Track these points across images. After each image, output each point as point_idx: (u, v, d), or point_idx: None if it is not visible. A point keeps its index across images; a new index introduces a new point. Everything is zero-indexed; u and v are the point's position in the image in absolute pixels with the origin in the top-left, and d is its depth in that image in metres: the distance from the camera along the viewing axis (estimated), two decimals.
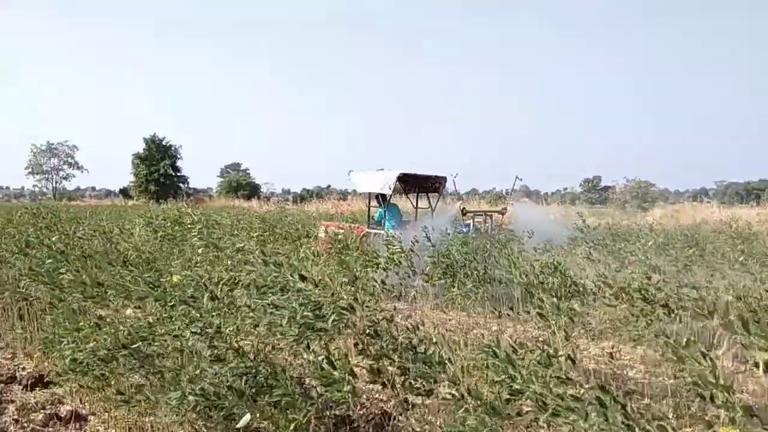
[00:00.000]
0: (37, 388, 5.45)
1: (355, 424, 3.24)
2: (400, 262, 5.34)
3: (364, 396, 3.55)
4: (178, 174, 54.88)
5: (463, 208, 12.22)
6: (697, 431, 3.03)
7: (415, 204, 12.73)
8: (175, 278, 3.01)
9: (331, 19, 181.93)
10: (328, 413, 2.61)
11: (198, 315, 2.68)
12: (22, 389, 5.38)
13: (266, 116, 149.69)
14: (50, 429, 4.65)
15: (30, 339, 6.30)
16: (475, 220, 11.65)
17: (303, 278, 2.38)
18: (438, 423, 2.67)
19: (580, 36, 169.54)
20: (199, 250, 3.69)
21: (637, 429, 1.75)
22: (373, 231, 10.62)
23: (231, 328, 2.61)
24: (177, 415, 2.66)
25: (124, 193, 64.73)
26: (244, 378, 2.61)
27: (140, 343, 3.21)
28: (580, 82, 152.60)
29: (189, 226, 5.36)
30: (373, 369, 2.34)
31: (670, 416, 1.88)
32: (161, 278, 3.43)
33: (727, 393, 1.76)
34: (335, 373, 2.17)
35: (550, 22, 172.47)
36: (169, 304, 2.88)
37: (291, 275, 2.36)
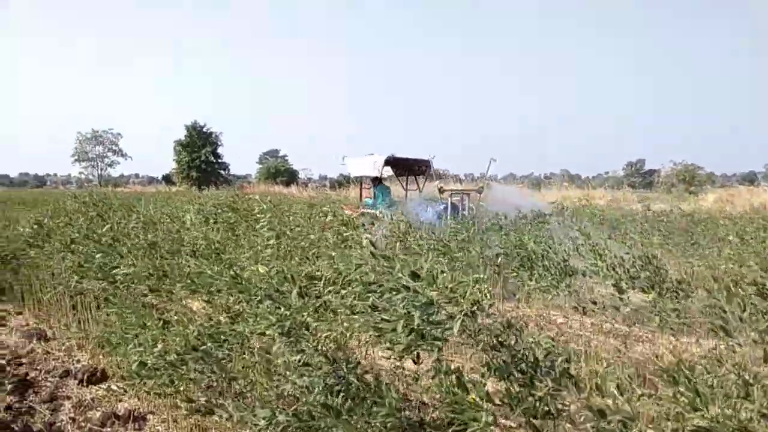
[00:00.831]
0: (93, 383, 5.22)
1: None
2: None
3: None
4: (219, 161, 55.26)
5: (441, 187, 12.81)
6: None
7: (405, 186, 13.60)
8: (261, 269, 2.62)
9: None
10: None
11: (286, 313, 2.28)
12: (78, 384, 5.14)
13: (303, 104, 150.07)
14: (108, 429, 4.38)
15: (84, 331, 6.09)
16: (453, 198, 12.13)
17: (416, 276, 1.95)
18: None
19: (623, 17, 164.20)
20: (270, 241, 3.28)
21: None
22: (367, 211, 11.00)
23: (326, 331, 2.21)
24: None
25: (167, 179, 65.73)
26: (339, 391, 2.21)
27: (211, 344, 2.84)
28: (622, 65, 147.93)
29: (250, 213, 5.01)
30: (509, 392, 1.90)
31: None
32: (233, 270, 3.06)
33: None
34: (469, 396, 1.75)
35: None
36: (254, 298, 2.50)
37: (401, 272, 1.94)
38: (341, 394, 2.12)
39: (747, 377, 1.64)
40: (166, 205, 12.86)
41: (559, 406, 2.11)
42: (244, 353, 2.95)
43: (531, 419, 2.08)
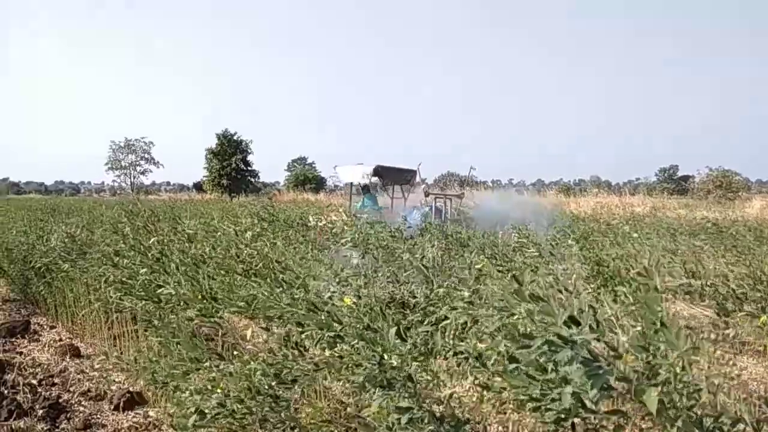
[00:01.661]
0: (129, 409, 4.77)
1: None
2: None
3: None
4: (249, 168, 55.35)
5: (426, 191, 13.45)
6: None
7: (391, 195, 14.12)
8: (347, 300, 2.12)
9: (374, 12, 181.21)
10: None
11: (389, 361, 1.76)
12: (113, 409, 4.70)
13: (329, 111, 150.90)
14: None
15: (119, 348, 5.67)
16: (437, 202, 12.83)
17: (575, 322, 1.41)
18: None
19: (651, 22, 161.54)
20: (353, 260, 2.75)
21: None
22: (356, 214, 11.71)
23: (442, 387, 1.68)
24: None
25: (198, 187, 66.11)
26: None
27: (277, 385, 2.33)
28: (651, 70, 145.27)
29: (305, 225, 4.56)
30: None
31: None
32: (308, 297, 2.55)
33: None
34: None
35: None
36: (339, 333, 1.98)
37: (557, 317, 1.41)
38: None
39: None
40: (203, 214, 12.52)
41: None
42: (316, 397, 2.43)
43: None
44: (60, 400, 4.94)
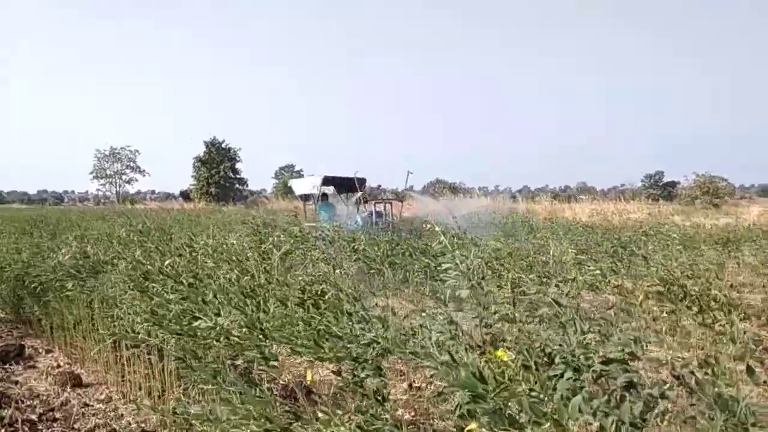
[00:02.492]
0: None
1: None
2: None
3: None
4: (238, 176, 54.66)
5: (365, 197, 14.52)
6: None
7: (345, 202, 15.06)
8: (502, 354, 1.64)
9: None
10: None
11: None
12: None
13: (319, 118, 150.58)
14: None
15: (124, 376, 5.12)
16: (377, 207, 13.98)
17: None
18: None
19: (645, 26, 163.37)
20: (463, 292, 2.24)
21: None
22: (309, 225, 12.01)
23: None
24: None
25: (185, 195, 65.17)
26: None
27: None
28: (641, 75, 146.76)
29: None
30: None
31: None
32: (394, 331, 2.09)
33: None
34: None
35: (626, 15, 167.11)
36: (482, 396, 1.51)
37: None
38: None
39: None
40: (197, 224, 11.94)
41: None
42: None
43: None
44: None
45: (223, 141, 55.04)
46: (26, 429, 4.45)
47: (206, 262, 3.16)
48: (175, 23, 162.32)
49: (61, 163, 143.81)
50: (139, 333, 3.18)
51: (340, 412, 2.02)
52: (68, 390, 5.32)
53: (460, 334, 2.09)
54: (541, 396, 1.40)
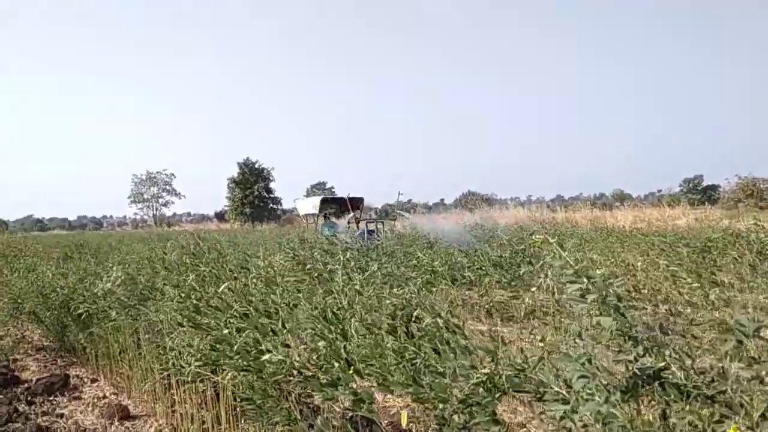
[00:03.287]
0: None
1: None
2: None
3: None
4: (271, 196, 54.95)
5: (356, 218, 15.87)
6: None
7: (348, 221, 16.35)
8: None
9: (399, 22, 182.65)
10: None
11: None
12: None
13: (347, 135, 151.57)
14: None
15: (181, 412, 4.80)
16: (369, 226, 15.34)
17: None
18: None
19: (679, 29, 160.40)
20: (608, 322, 1.84)
21: None
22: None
23: None
24: None
25: (220, 216, 65.85)
26: None
27: None
28: (678, 81, 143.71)
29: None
30: None
31: None
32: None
33: None
34: None
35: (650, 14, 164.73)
36: None
37: None
38: None
39: None
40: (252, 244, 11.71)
41: None
42: None
43: None
44: None
45: (257, 161, 55.50)
46: None
47: (272, 287, 2.81)
48: (208, 55, 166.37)
49: (99, 189, 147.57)
50: (193, 367, 2.84)
51: None
52: (116, 423, 5.04)
53: (598, 373, 1.69)
54: None
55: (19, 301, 7.19)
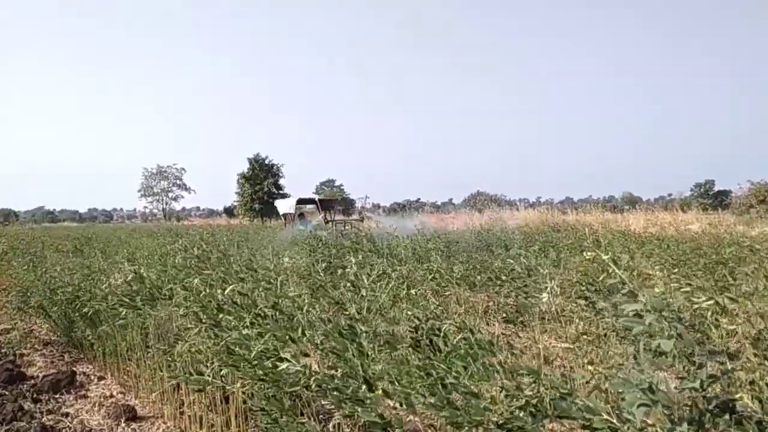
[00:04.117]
0: None
1: None
2: None
3: None
4: (281, 192, 54.89)
5: (326, 218, 18.54)
6: None
7: (326, 218, 18.87)
8: None
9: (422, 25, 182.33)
10: None
11: None
12: None
13: (357, 132, 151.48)
14: None
15: (190, 415, 4.66)
16: (337, 225, 17.49)
17: None
18: None
19: (686, 34, 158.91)
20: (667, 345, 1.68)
21: None
22: (291, 231, 15.97)
23: None
24: None
25: (229, 212, 65.96)
26: None
27: None
28: (686, 87, 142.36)
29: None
30: None
31: None
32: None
33: None
34: None
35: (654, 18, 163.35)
36: None
37: None
38: None
39: None
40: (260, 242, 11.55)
41: None
42: None
43: None
44: None
45: (266, 157, 55.47)
46: None
47: (286, 292, 2.66)
48: (220, 51, 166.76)
49: (110, 182, 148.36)
50: (205, 374, 2.69)
51: None
52: (122, 424, 4.91)
53: (662, 401, 1.52)
54: None
55: (27, 294, 7.09)
